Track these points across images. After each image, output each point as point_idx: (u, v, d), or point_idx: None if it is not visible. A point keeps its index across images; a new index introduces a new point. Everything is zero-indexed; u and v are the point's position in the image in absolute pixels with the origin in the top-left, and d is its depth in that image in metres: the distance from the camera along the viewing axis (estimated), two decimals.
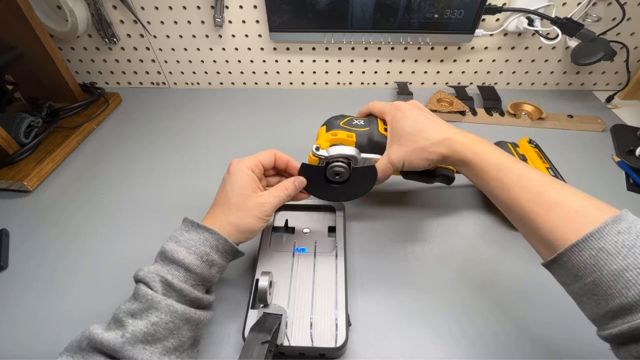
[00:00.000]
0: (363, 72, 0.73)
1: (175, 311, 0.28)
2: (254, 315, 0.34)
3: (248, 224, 0.33)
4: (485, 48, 0.68)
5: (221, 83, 0.75)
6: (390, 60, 0.71)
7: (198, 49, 0.70)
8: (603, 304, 0.24)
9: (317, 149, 0.38)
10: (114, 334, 0.26)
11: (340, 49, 0.69)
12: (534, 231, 0.28)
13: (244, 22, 0.65)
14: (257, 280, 0.35)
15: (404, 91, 0.69)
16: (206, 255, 0.30)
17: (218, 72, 0.73)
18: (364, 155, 0.39)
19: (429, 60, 0.71)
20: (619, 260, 0.23)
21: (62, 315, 0.38)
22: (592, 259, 0.24)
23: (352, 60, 0.71)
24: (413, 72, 0.73)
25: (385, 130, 0.40)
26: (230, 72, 0.73)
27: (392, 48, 0.69)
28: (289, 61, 0.71)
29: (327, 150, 0.38)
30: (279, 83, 0.75)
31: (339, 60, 0.71)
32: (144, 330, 0.26)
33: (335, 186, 0.40)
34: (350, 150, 0.38)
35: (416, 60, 0.71)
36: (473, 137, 0.36)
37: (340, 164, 0.38)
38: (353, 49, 0.69)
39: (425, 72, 0.72)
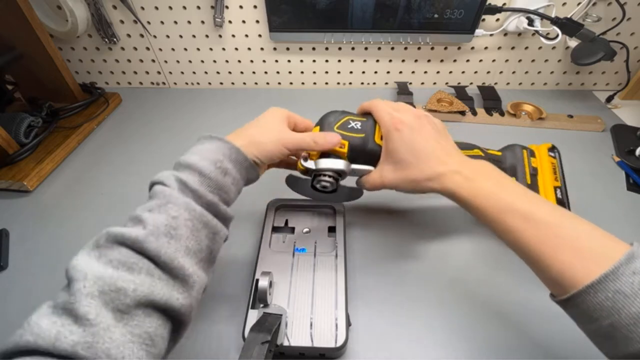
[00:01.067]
0: (363, 72, 0.73)
1: (193, 209, 0.27)
2: (254, 315, 0.34)
3: (264, 139, 0.33)
4: (485, 48, 0.68)
5: (221, 83, 0.75)
6: (390, 60, 0.71)
7: (198, 49, 0.70)
8: (622, 347, 0.23)
9: (305, 159, 0.36)
10: (135, 229, 0.25)
11: (340, 49, 0.69)
12: (543, 271, 0.27)
13: (244, 22, 0.65)
14: (257, 280, 0.35)
15: (404, 91, 0.69)
16: (219, 162, 0.30)
17: (218, 72, 0.73)
18: (354, 166, 0.37)
19: (429, 60, 0.71)
20: (637, 303, 0.22)
21: None
22: (609, 302, 0.23)
23: (352, 60, 0.71)
24: (413, 72, 0.73)
25: (381, 139, 0.37)
26: (230, 72, 0.73)
27: (392, 48, 0.69)
28: (289, 61, 0.71)
29: (316, 162, 0.36)
30: (279, 83, 0.75)
31: (339, 60, 0.71)
32: (165, 223, 0.25)
33: (322, 193, 0.39)
34: (340, 165, 0.35)
35: (416, 60, 0.71)
36: (473, 172, 0.32)
37: (327, 178, 0.35)
38: (353, 49, 0.69)
39: (425, 72, 0.72)
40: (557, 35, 0.60)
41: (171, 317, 0.25)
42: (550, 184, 0.43)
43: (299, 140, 0.34)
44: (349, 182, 0.39)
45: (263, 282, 0.33)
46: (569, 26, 0.58)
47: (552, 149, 0.48)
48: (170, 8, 0.64)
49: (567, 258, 0.25)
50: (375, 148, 0.37)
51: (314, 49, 0.69)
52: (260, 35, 0.67)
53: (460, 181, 0.32)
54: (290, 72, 0.73)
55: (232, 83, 0.75)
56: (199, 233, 0.27)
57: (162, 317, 0.24)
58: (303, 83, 0.75)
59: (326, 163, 0.35)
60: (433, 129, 0.35)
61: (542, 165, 0.46)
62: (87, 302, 0.21)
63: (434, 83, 0.74)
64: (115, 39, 0.67)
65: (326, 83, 0.75)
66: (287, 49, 0.69)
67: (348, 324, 0.34)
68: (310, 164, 0.36)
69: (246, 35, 0.67)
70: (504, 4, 0.62)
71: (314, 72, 0.73)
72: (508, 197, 0.29)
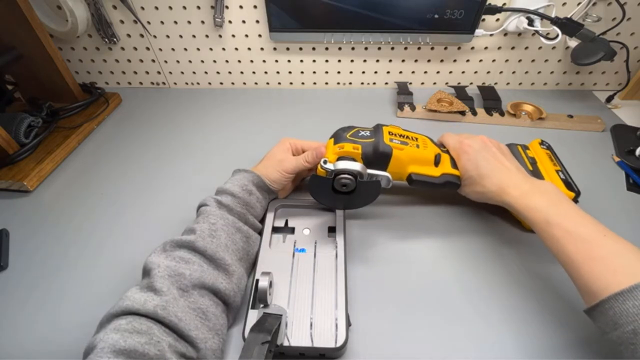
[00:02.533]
0: (363, 72, 0.73)
1: (227, 218, 0.37)
2: (254, 315, 0.34)
3: (269, 172, 0.43)
4: (485, 48, 0.68)
5: (221, 83, 0.75)
6: (390, 60, 0.71)
7: (198, 49, 0.70)
8: None
9: (325, 162, 0.40)
10: (188, 236, 0.35)
11: (340, 49, 0.69)
12: (579, 279, 0.31)
13: (244, 22, 0.65)
14: (257, 281, 0.35)
15: (404, 91, 0.69)
16: (245, 186, 0.41)
17: (218, 72, 0.73)
18: (370, 171, 0.40)
19: (429, 60, 0.71)
20: None
21: (62, 316, 0.38)
22: (635, 309, 0.25)
23: (352, 60, 0.71)
24: (413, 72, 0.73)
25: (391, 140, 0.41)
26: (230, 72, 0.73)
27: (392, 48, 0.69)
28: (289, 61, 0.71)
29: (334, 164, 0.39)
30: (279, 83, 0.75)
31: (339, 60, 0.71)
32: (208, 228, 0.36)
33: (341, 195, 0.41)
34: (357, 167, 0.39)
35: (416, 60, 0.71)
36: (528, 188, 0.38)
37: (347, 176, 0.39)
38: (353, 49, 0.69)
39: (425, 72, 0.72)
40: (557, 35, 0.60)
41: (220, 298, 0.34)
42: (551, 169, 0.46)
43: (294, 164, 0.43)
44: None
45: (263, 283, 0.33)
46: (569, 26, 0.58)
47: (542, 142, 0.51)
48: (170, 8, 0.64)
49: (600, 270, 0.29)
50: (385, 148, 0.41)
51: (314, 49, 0.69)
52: (260, 35, 0.67)
53: (516, 196, 0.38)
54: (290, 72, 0.73)
55: (232, 83, 0.75)
56: (234, 236, 0.37)
57: (214, 299, 0.33)
58: (303, 83, 0.75)
59: (344, 164, 0.39)
60: (498, 151, 0.42)
61: (539, 155, 0.49)
62: (161, 281, 0.31)
63: (434, 83, 0.74)
64: (115, 39, 0.67)
65: (326, 83, 0.75)
66: (287, 49, 0.69)
67: (348, 324, 0.34)
68: (329, 166, 0.39)
69: (246, 36, 0.67)
70: (504, 4, 0.62)
71: (314, 72, 0.73)
72: (555, 213, 0.34)
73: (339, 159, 0.40)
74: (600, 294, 0.28)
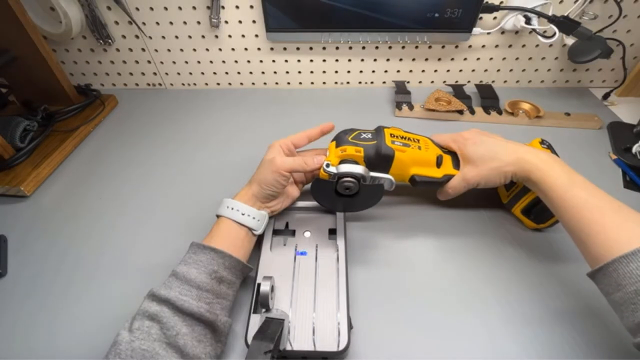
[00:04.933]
0: (361, 72, 0.73)
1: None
2: (256, 320, 0.34)
3: (266, 175, 0.39)
4: (483, 46, 0.68)
5: (218, 84, 0.75)
6: (387, 60, 0.71)
7: (194, 50, 0.69)
8: None
9: (328, 165, 0.39)
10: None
11: (337, 48, 0.69)
12: (588, 245, 0.32)
13: (240, 22, 0.65)
14: (259, 285, 0.35)
15: (401, 90, 0.69)
16: (215, 272, 0.34)
17: (215, 73, 0.73)
18: (373, 174, 0.40)
19: (426, 59, 0.71)
20: None
21: (61, 322, 0.38)
22: (638, 270, 0.27)
23: (349, 60, 0.71)
24: (411, 71, 0.72)
25: (392, 142, 0.41)
26: (227, 73, 0.73)
27: (390, 47, 0.69)
28: (286, 61, 0.71)
29: (337, 167, 0.39)
30: (277, 83, 0.75)
31: (337, 60, 0.71)
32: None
33: (344, 198, 0.41)
34: (359, 169, 0.39)
35: (414, 59, 0.71)
36: (543, 156, 0.39)
37: (350, 179, 0.39)
38: (350, 48, 0.69)
39: (423, 71, 0.72)
40: (554, 34, 0.60)
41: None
42: None
43: (291, 164, 0.40)
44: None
45: (265, 287, 0.33)
46: (566, 24, 0.58)
47: (542, 142, 0.50)
48: (166, 9, 0.63)
49: (608, 236, 0.31)
50: (387, 150, 0.40)
51: (311, 48, 0.69)
52: (257, 36, 0.66)
53: (535, 164, 0.38)
54: (287, 72, 0.72)
55: (229, 83, 0.75)
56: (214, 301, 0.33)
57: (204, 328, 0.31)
58: (301, 83, 0.74)
59: (347, 167, 0.39)
60: (493, 134, 0.44)
61: None
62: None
63: (432, 82, 0.74)
64: (110, 40, 0.67)
65: (324, 83, 0.74)
66: (284, 49, 0.69)
67: (350, 326, 0.34)
68: (332, 169, 0.39)
69: (243, 36, 0.67)
70: (502, 2, 0.62)
71: (312, 72, 0.72)
72: (571, 183, 0.36)
73: (342, 162, 0.40)
74: (606, 257, 0.29)
